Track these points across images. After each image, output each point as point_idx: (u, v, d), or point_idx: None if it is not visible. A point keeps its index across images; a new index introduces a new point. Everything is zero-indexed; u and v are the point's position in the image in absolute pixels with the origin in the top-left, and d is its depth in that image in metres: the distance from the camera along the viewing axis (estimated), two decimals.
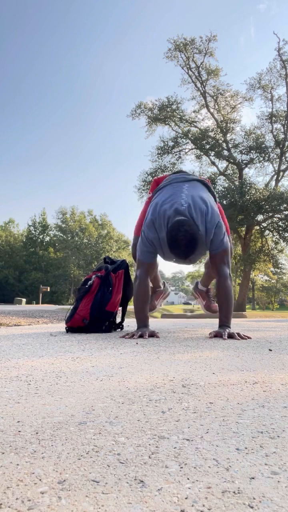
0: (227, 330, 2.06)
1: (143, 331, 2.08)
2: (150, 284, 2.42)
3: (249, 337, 2.04)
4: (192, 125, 19.74)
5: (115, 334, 2.29)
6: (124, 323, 2.67)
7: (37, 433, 0.59)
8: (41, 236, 46.33)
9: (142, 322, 2.19)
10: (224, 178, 19.36)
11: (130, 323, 3.04)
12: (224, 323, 2.12)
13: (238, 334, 2.02)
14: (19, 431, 0.60)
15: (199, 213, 2.04)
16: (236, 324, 3.43)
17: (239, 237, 18.02)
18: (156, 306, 2.60)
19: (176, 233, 1.92)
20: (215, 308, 2.49)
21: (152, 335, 2.09)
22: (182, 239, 1.90)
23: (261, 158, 18.46)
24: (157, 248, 2.17)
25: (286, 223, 16.99)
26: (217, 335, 2.04)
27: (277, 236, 17.81)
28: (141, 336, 2.03)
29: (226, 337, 1.98)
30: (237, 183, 18.01)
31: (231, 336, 2.00)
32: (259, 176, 30.50)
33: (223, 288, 2.14)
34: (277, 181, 18.84)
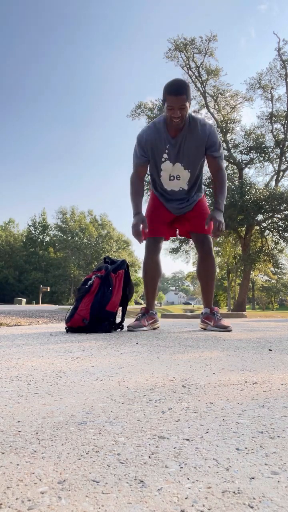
0: (222, 220, 2.48)
1: (137, 220, 2.47)
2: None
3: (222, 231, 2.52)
4: None
5: (115, 334, 2.28)
6: (124, 323, 2.67)
7: (37, 433, 0.59)
8: (41, 236, 46.34)
9: (136, 207, 2.55)
10: None
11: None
12: (219, 206, 2.52)
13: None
14: (19, 431, 0.60)
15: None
16: (237, 324, 3.43)
17: (239, 237, 18.02)
18: (145, 325, 2.62)
19: (172, 80, 2.36)
20: (224, 323, 2.54)
21: (141, 225, 2.47)
22: (176, 81, 2.34)
23: (261, 158, 18.46)
24: (149, 143, 2.50)
25: (286, 223, 16.99)
26: (212, 221, 2.48)
27: (277, 236, 17.81)
28: (137, 232, 2.46)
29: (223, 228, 2.47)
30: (237, 183, 18.01)
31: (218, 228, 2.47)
32: (259, 176, 30.54)
33: (221, 176, 2.58)
34: (277, 181, 18.83)
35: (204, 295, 2.75)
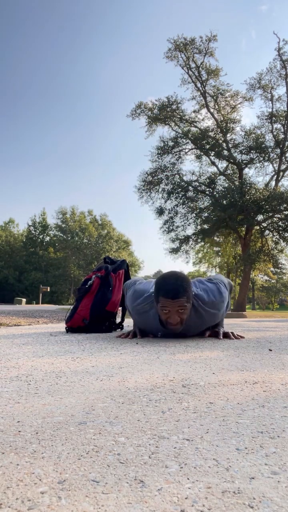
0: (221, 329, 2.10)
1: (138, 331, 2.12)
2: None
3: (242, 337, 2.10)
4: (192, 125, 19.74)
5: (115, 334, 2.28)
6: (124, 323, 2.67)
7: (37, 433, 0.59)
8: (41, 236, 46.32)
9: None
10: (224, 178, 19.36)
11: (130, 323, 3.04)
12: (218, 323, 2.15)
13: (232, 333, 2.08)
14: (19, 431, 0.60)
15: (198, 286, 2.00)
16: (236, 324, 3.43)
17: (239, 237, 18.02)
18: None
19: (166, 275, 1.85)
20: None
21: (146, 335, 2.12)
22: (171, 279, 1.80)
23: (261, 158, 18.46)
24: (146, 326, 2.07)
25: (286, 223, 16.99)
26: (212, 334, 2.10)
27: (277, 236, 17.81)
28: (135, 336, 2.07)
29: (221, 337, 2.03)
30: (237, 183, 18.01)
31: (226, 335, 2.06)
32: (259, 176, 30.51)
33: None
34: (277, 181, 18.83)
35: None
